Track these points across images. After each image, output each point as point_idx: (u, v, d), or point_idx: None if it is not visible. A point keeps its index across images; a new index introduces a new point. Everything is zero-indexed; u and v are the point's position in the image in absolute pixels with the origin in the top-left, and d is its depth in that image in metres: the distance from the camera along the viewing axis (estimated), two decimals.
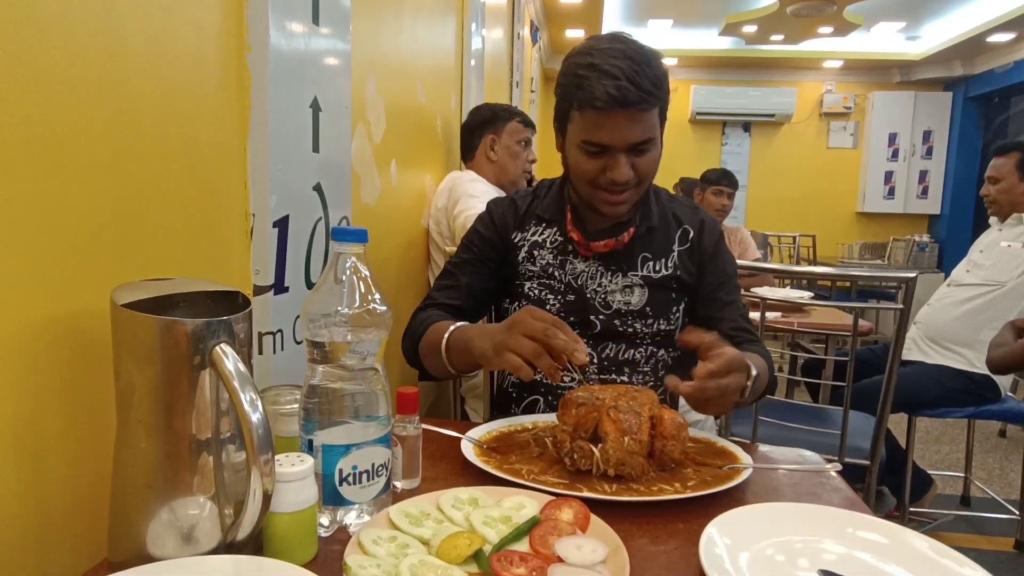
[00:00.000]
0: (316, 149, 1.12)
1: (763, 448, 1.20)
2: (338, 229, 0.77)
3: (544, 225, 1.35)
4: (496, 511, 0.80)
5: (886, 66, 7.05)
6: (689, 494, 0.89)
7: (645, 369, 1.31)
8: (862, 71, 7.19)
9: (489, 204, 1.42)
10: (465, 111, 2.45)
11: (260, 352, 1.03)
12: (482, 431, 1.07)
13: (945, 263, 6.38)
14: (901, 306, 1.83)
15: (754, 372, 1.06)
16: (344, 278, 0.77)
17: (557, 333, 0.97)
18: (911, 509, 2.62)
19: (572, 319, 1.30)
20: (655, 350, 1.32)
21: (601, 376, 1.29)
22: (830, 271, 2.24)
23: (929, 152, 7.03)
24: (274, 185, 1.00)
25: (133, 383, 0.67)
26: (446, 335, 1.15)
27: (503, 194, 2.19)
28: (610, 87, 1.10)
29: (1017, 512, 2.65)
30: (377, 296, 0.79)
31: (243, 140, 0.97)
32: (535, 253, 1.33)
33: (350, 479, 0.78)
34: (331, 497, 0.78)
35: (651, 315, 1.30)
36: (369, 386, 0.79)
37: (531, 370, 0.97)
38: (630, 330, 1.29)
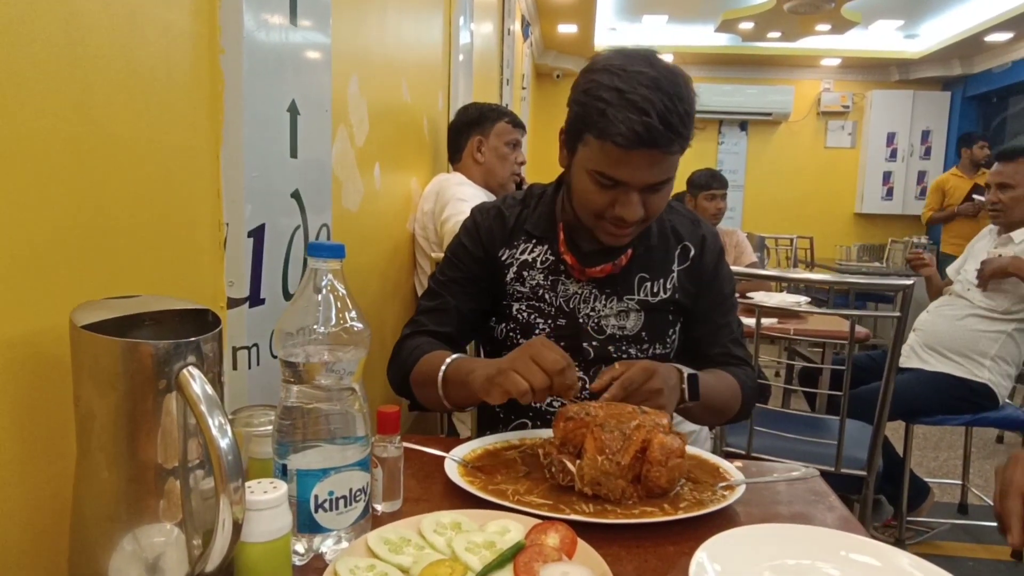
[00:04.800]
0: (294, 154, 1.08)
1: (755, 464, 1.16)
2: (315, 244, 0.73)
3: (534, 242, 1.25)
4: (479, 536, 0.77)
5: (884, 64, 7.03)
6: (679, 515, 0.86)
7: None
8: (860, 69, 7.16)
9: (474, 213, 1.32)
10: (453, 110, 2.39)
11: (235, 367, 1.00)
12: (467, 449, 1.04)
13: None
14: (898, 314, 1.80)
15: (686, 372, 1.08)
16: (320, 295, 0.74)
17: (570, 375, 0.97)
18: (908, 518, 2.60)
19: (563, 344, 1.24)
20: None
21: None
22: (827, 278, 2.20)
23: (928, 152, 7.01)
24: (249, 193, 0.97)
25: (94, 409, 0.63)
26: (443, 368, 1.09)
27: (492, 197, 2.16)
28: (637, 124, 0.99)
29: None
30: (355, 313, 0.75)
31: (216, 146, 0.93)
32: (524, 273, 1.24)
33: (326, 505, 0.74)
34: (306, 524, 0.74)
35: (647, 340, 1.24)
36: (346, 407, 0.75)
37: (532, 395, 0.94)
38: (624, 356, 1.23)
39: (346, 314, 0.74)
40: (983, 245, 2.70)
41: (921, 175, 7.02)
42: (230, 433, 0.64)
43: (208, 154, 0.93)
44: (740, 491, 0.93)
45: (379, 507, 0.89)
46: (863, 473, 1.90)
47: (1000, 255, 2.52)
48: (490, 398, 0.98)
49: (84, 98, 0.69)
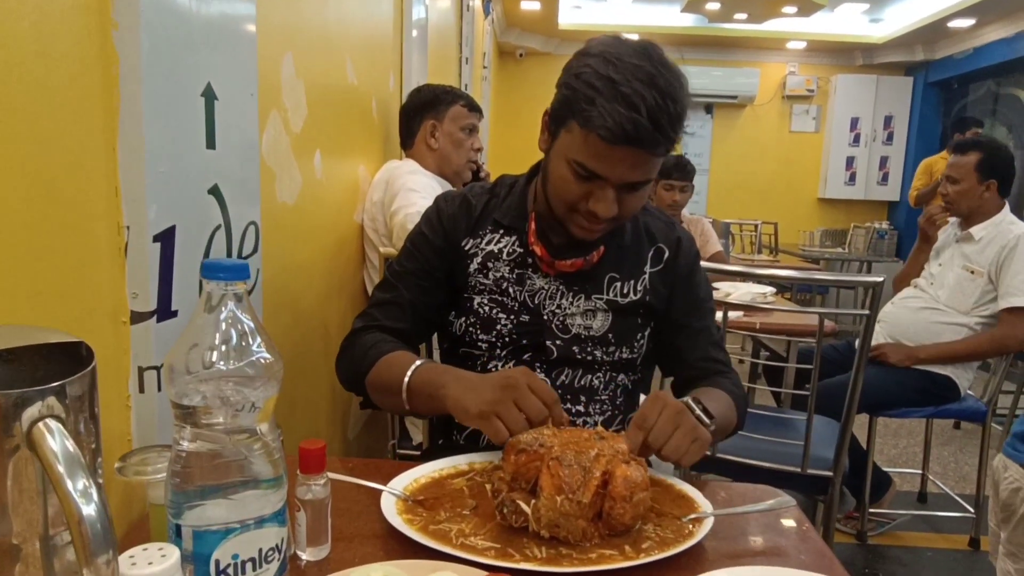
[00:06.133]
0: (211, 145, 0.95)
1: (723, 486, 1.08)
2: (210, 264, 0.61)
3: (502, 232, 1.18)
4: None
5: (849, 48, 7.02)
6: (641, 560, 0.77)
7: (603, 397, 1.19)
8: (825, 53, 7.15)
9: (438, 200, 1.24)
10: (406, 91, 2.24)
11: (142, 391, 0.87)
12: (409, 479, 0.93)
13: (903, 251, 6.41)
14: (867, 312, 1.74)
15: (697, 409, 1.00)
16: (218, 323, 0.62)
17: (556, 413, 0.93)
18: (870, 510, 2.58)
19: (525, 342, 1.16)
20: (615, 375, 1.19)
21: None
22: (796, 275, 2.14)
23: (890, 138, 7.05)
24: (153, 191, 0.84)
25: None
26: (407, 377, 1.02)
27: (448, 187, 2.03)
28: (625, 120, 0.93)
29: (971, 509, 2.63)
30: (262, 343, 0.64)
31: (111, 139, 0.80)
32: (489, 265, 1.17)
33: (230, 570, 0.63)
34: None
35: (613, 342, 1.17)
36: (254, 454, 0.64)
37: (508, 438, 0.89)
38: (589, 357, 1.16)
39: (251, 345, 0.63)
40: (944, 240, 2.67)
41: (883, 160, 7.06)
42: (97, 497, 0.52)
43: (102, 148, 0.80)
44: (708, 526, 0.85)
45: (303, 555, 0.78)
46: (829, 474, 1.85)
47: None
48: (469, 424, 0.96)
49: None
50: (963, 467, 3.38)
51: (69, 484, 0.51)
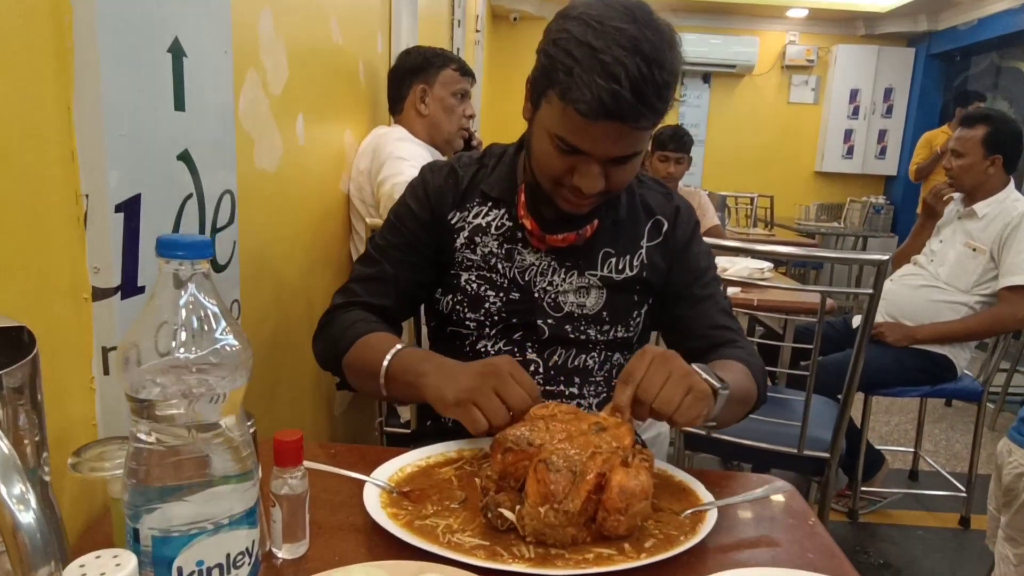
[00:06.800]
0: (180, 106, 0.87)
1: (725, 476, 1.03)
2: (167, 240, 0.54)
3: (490, 204, 1.11)
4: None
5: (851, 18, 6.88)
6: (642, 561, 0.72)
7: (598, 378, 1.13)
8: (826, 22, 7.00)
9: (423, 171, 1.16)
10: (395, 54, 2.12)
11: (106, 372, 0.81)
12: (394, 468, 0.88)
13: (899, 226, 6.36)
14: (871, 291, 1.69)
15: (703, 373, 0.88)
16: (177, 307, 0.55)
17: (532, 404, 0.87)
18: (862, 488, 2.57)
19: (515, 321, 1.10)
20: (610, 354, 1.14)
21: (547, 388, 1.10)
22: (797, 251, 2.08)
23: (889, 111, 6.94)
24: (114, 156, 0.76)
25: None
26: (385, 362, 0.97)
27: (439, 156, 1.94)
28: (604, 92, 0.86)
29: (963, 488, 2.62)
30: (226, 328, 0.57)
31: (66, 98, 0.73)
32: (476, 239, 1.10)
33: None
34: None
35: (608, 321, 1.11)
36: (218, 450, 0.58)
37: (488, 429, 0.84)
38: (582, 336, 1.10)
39: (215, 332, 0.56)
40: (946, 217, 2.62)
41: (882, 134, 6.97)
42: (34, 504, 0.46)
43: (55, 107, 0.72)
44: (711, 521, 0.80)
45: (279, 553, 0.73)
46: (826, 455, 1.81)
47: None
48: (448, 415, 0.90)
49: None
50: (954, 445, 3.38)
51: (3, 490, 0.46)
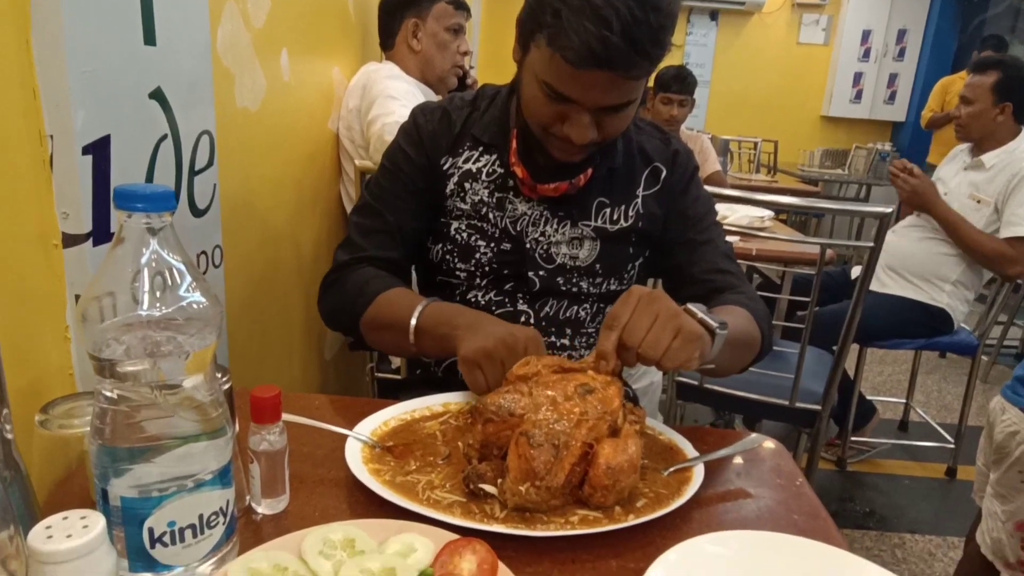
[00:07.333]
0: (151, 40, 0.82)
1: (708, 431, 1.02)
2: (125, 191, 0.51)
3: (481, 149, 1.07)
4: (376, 561, 0.61)
5: None
6: (626, 522, 0.71)
7: (590, 330, 1.11)
8: None
9: (415, 114, 1.11)
10: None
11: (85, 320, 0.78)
12: (377, 421, 0.86)
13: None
14: (872, 244, 1.66)
15: (699, 313, 0.81)
16: (138, 263, 0.52)
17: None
18: (852, 438, 2.59)
19: (506, 272, 1.07)
20: (603, 306, 1.12)
21: None
22: (800, 202, 2.03)
23: (901, 54, 6.73)
24: (79, 95, 0.72)
25: None
26: (414, 318, 0.94)
27: (431, 95, 1.87)
28: (593, 38, 0.80)
29: (951, 440, 2.65)
30: (191, 284, 0.54)
31: (23, 29, 0.68)
32: (466, 185, 1.06)
33: (166, 539, 0.56)
34: (140, 562, 0.56)
35: (601, 273, 1.08)
36: (187, 409, 0.56)
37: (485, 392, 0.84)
38: (575, 289, 1.08)
39: (180, 288, 0.53)
40: (953, 167, 2.55)
41: (892, 78, 6.78)
42: None
43: (13, 41, 0.68)
44: (698, 479, 0.79)
45: (259, 508, 0.72)
46: (818, 407, 1.81)
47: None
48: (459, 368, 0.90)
49: None
50: (946, 396, 3.40)
51: None
